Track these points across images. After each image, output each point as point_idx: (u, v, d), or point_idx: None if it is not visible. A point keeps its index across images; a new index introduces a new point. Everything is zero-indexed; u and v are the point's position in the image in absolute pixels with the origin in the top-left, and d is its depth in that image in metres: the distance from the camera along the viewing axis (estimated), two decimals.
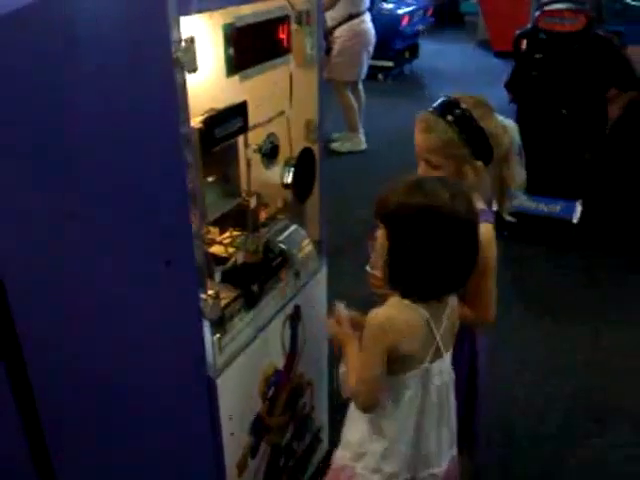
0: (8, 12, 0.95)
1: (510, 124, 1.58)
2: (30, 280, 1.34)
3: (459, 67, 8.06)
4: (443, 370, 1.43)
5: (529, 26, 3.61)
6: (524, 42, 3.55)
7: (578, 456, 2.30)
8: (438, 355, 1.40)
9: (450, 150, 1.50)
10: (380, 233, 1.35)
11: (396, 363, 1.38)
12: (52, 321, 1.51)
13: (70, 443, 1.69)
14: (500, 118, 1.56)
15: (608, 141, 3.68)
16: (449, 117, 1.50)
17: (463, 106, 1.51)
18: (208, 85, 1.43)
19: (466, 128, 1.49)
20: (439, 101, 1.55)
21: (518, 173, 1.58)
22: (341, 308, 1.53)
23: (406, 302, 1.36)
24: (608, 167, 3.76)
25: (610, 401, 2.56)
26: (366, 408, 1.42)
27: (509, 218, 1.63)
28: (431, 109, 1.55)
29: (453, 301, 1.44)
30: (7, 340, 1.32)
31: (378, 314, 1.37)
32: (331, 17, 4.91)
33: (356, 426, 1.50)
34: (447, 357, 1.44)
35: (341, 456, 1.53)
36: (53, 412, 1.59)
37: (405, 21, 7.45)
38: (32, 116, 1.30)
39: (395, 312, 1.36)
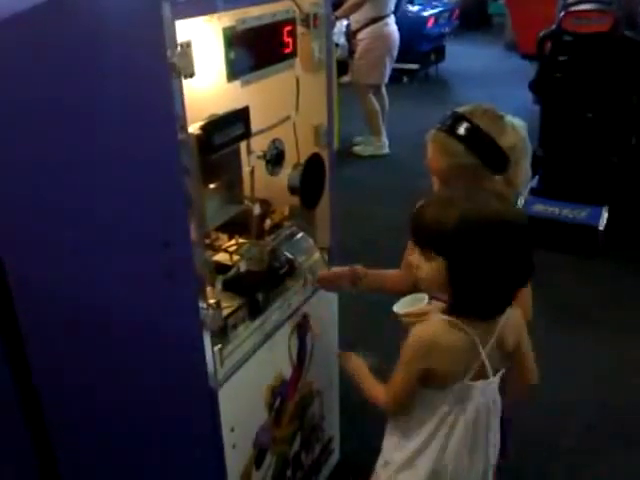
0: None
1: (518, 123, 1.49)
2: (33, 287, 1.33)
3: (486, 69, 7.95)
4: (487, 391, 1.37)
5: (553, 27, 3.52)
6: (548, 44, 3.47)
7: (597, 473, 2.21)
8: (482, 375, 1.35)
9: (472, 173, 1.43)
10: (434, 264, 1.28)
11: (434, 381, 1.35)
12: (52, 334, 1.51)
13: (72, 454, 1.68)
14: (508, 119, 1.48)
15: (636, 145, 3.57)
16: (466, 138, 1.41)
17: (479, 124, 1.42)
18: (209, 90, 1.40)
19: (487, 152, 1.42)
20: (452, 120, 1.44)
21: (525, 172, 1.52)
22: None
23: (453, 321, 1.31)
24: (636, 171, 3.63)
25: (637, 417, 2.46)
26: (398, 415, 1.45)
27: None
28: (445, 128, 1.44)
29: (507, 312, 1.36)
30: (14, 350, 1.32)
31: (425, 331, 1.33)
32: (355, 20, 4.91)
33: (389, 434, 1.50)
34: (494, 380, 1.37)
35: (377, 463, 1.55)
36: (58, 427, 1.59)
37: (430, 23, 7.39)
38: (32, 122, 1.30)
39: (441, 332, 1.32)
